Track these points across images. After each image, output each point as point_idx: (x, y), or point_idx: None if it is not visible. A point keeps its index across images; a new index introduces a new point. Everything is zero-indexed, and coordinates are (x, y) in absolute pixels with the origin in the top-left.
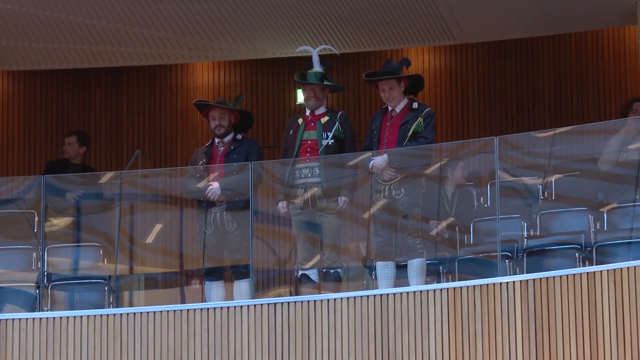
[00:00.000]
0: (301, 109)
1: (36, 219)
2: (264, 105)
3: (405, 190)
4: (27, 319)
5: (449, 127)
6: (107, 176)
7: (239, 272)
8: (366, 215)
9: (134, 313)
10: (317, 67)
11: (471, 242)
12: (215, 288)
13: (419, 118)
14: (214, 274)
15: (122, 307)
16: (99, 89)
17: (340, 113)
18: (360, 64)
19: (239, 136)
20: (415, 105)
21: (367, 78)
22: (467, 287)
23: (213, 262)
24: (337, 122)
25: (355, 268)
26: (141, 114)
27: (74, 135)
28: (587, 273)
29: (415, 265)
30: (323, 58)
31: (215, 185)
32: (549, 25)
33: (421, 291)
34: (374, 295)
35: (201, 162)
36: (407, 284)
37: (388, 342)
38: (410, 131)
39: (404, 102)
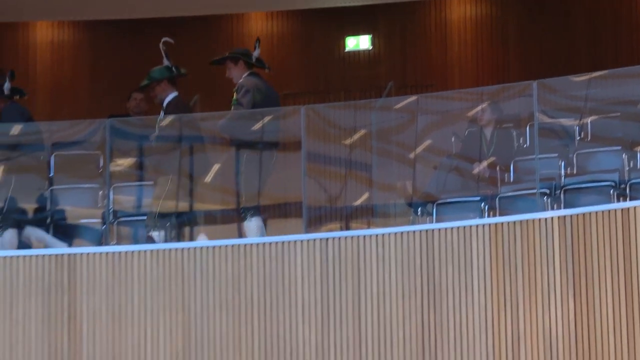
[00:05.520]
0: (349, 57)
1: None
2: (314, 54)
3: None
4: (94, 253)
5: (490, 72)
6: (167, 119)
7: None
8: (412, 155)
9: (195, 248)
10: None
11: (511, 180)
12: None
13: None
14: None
15: (184, 242)
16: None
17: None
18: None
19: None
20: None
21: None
22: (508, 222)
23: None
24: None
25: (402, 205)
26: (199, 62)
27: (143, 93)
28: (622, 209)
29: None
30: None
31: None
32: None
33: (464, 227)
34: (420, 231)
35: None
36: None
37: (434, 275)
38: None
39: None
